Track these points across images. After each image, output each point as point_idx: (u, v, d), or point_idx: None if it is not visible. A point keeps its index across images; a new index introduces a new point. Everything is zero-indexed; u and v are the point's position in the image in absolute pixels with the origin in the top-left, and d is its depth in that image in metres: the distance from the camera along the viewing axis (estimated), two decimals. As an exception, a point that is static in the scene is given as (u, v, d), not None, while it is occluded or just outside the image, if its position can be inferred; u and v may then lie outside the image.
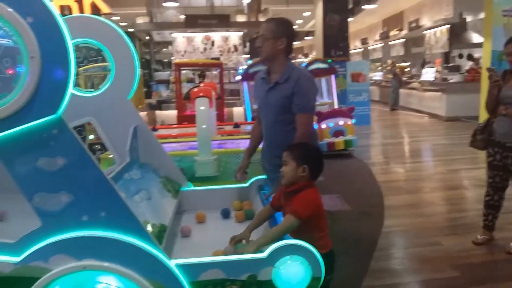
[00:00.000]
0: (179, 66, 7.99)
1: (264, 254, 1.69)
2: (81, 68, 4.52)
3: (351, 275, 3.11)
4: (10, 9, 1.42)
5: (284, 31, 2.47)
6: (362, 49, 22.84)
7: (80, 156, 1.56)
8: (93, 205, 1.60)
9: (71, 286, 1.61)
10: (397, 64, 16.28)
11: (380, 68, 19.83)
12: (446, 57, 13.83)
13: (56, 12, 1.47)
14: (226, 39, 13.30)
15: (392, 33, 18.37)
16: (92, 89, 2.71)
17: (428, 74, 12.92)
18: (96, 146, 5.06)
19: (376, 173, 6.20)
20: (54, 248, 1.58)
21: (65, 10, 8.79)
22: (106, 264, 1.60)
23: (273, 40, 2.45)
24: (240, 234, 2.05)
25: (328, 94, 8.62)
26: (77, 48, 2.46)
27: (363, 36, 22.43)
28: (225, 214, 2.60)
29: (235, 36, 13.21)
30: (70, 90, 1.50)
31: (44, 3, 1.44)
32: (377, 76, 18.10)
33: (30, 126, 1.49)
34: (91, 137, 5.33)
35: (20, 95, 1.45)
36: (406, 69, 16.36)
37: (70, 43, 1.48)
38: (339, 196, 5.00)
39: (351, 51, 16.22)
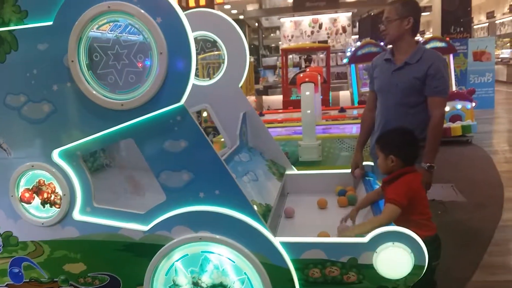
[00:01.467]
0: (286, 51, 8.12)
1: (366, 239, 1.73)
2: (199, 56, 4.89)
3: (462, 268, 2.96)
4: (142, 11, 1.64)
5: (410, 9, 2.43)
6: (488, 24, 20.53)
7: (200, 139, 1.76)
8: (209, 183, 1.79)
9: (189, 256, 1.84)
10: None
11: (508, 44, 17.67)
12: None
13: (180, 11, 1.66)
14: (334, 20, 13.07)
15: (525, 4, 16.17)
16: (208, 78, 2.94)
17: None
18: (209, 129, 5.45)
19: (497, 162, 5.66)
20: (176, 220, 1.81)
21: (182, 1, 9.46)
22: (218, 236, 1.79)
23: (399, 21, 2.42)
24: (348, 214, 2.10)
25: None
26: (195, 40, 2.70)
27: (489, 9, 20.12)
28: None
29: (343, 17, 12.91)
30: (192, 80, 1.69)
31: (171, 5, 1.64)
32: (505, 53, 16.18)
33: (158, 113, 1.72)
34: (206, 121, 5.75)
35: (151, 86, 1.68)
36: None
37: (192, 38, 1.67)
38: (454, 186, 4.70)
39: (474, 27, 14.71)
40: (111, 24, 1.78)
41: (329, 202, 2.61)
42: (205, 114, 5.83)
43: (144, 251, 1.85)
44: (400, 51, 2.50)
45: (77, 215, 1.91)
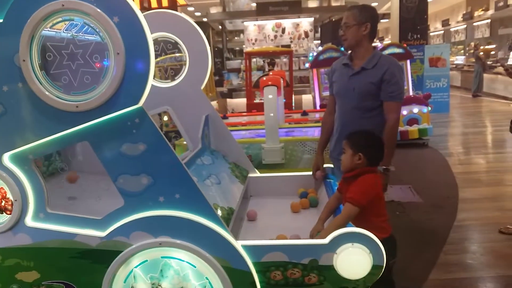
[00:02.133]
0: (249, 54, 8.14)
1: (326, 240, 1.75)
2: (158, 59, 4.81)
3: (419, 267, 3.05)
4: (98, 10, 1.59)
5: (367, 16, 2.49)
6: (443, 31, 21.44)
7: (159, 142, 1.72)
8: (169, 187, 1.75)
9: (148, 262, 1.79)
10: (481, 47, 15.09)
11: (462, 51, 18.53)
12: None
13: (138, 11, 1.62)
14: (297, 25, 13.23)
15: (476, 13, 17.03)
16: (169, 80, 2.89)
17: (517, 57, 11.86)
18: (171, 134, 5.37)
19: (452, 164, 5.91)
20: (134, 225, 1.76)
21: (144, 2, 9.29)
22: (178, 241, 1.75)
23: (357, 27, 2.47)
24: (315, 227, 2.11)
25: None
26: (155, 41, 2.66)
27: (444, 17, 21.02)
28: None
29: (306, 22, 13.10)
30: (151, 82, 1.65)
31: (128, 4, 1.60)
32: (459, 60, 16.94)
33: (115, 116, 1.67)
34: (167, 125, 5.66)
35: (107, 87, 1.62)
36: (492, 52, 15.12)
37: (150, 39, 1.63)
38: (411, 187, 4.86)
39: (430, 34, 15.32)
40: (66, 23, 1.71)
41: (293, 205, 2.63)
42: (166, 118, 5.74)
43: (101, 258, 1.79)
44: (358, 56, 2.55)
45: (29, 221, 1.82)
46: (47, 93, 1.66)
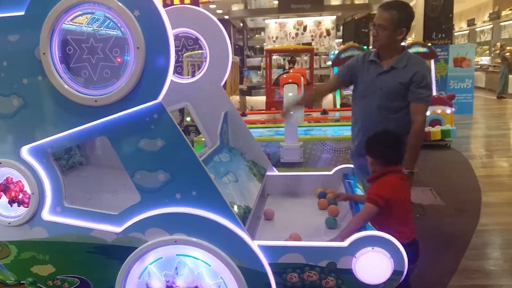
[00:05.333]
0: (270, 52, 8.08)
1: (345, 243, 1.70)
2: (184, 54, 4.81)
3: (439, 272, 2.96)
4: (119, 3, 1.57)
5: (405, 20, 2.35)
6: (468, 31, 20.96)
7: (177, 139, 1.70)
8: (186, 184, 1.73)
9: (163, 259, 1.78)
10: (507, 48, 14.66)
11: (488, 51, 18.07)
12: None
13: (159, 5, 1.60)
14: (318, 23, 13.12)
15: (504, 12, 16.56)
16: (190, 76, 2.88)
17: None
18: (191, 128, 5.37)
19: (475, 167, 5.74)
20: (150, 221, 1.75)
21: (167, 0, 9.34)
22: (194, 239, 1.73)
23: (392, 31, 2.35)
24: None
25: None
26: (176, 37, 2.64)
27: (470, 16, 20.53)
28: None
29: (328, 20, 12.97)
30: (170, 77, 1.63)
31: None
32: (484, 60, 16.53)
33: (134, 111, 1.65)
34: (188, 119, 5.67)
35: (127, 82, 1.61)
36: (519, 53, 14.69)
37: (171, 34, 1.61)
38: (433, 189, 4.74)
39: (455, 33, 14.99)
40: (88, 17, 1.70)
41: (310, 204, 2.58)
42: (188, 119, 5.74)
43: (116, 254, 1.78)
44: (386, 55, 2.45)
45: (46, 215, 1.83)
46: (66, 86, 1.66)
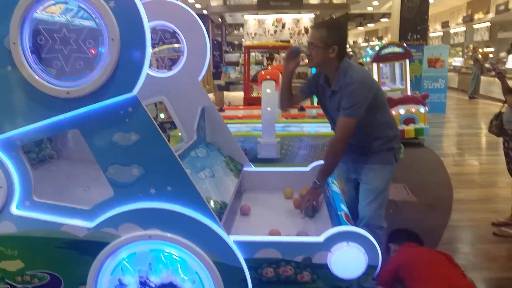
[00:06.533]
0: (249, 48, 8.07)
1: (321, 239, 1.71)
2: (155, 49, 4.73)
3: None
4: (94, -6, 1.53)
5: (335, 37, 2.29)
6: (442, 33, 21.45)
7: (152, 133, 1.67)
8: (161, 179, 1.70)
9: (137, 254, 1.75)
10: (480, 50, 15.10)
11: (461, 53, 18.55)
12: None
13: (136, -4, 1.56)
14: (297, 21, 13.17)
15: (477, 16, 17.03)
16: (165, 70, 2.84)
17: (515, 60, 11.86)
18: (166, 124, 5.31)
19: (447, 165, 5.88)
20: (123, 217, 1.72)
21: (144, -8, 9.17)
22: (169, 235, 1.71)
23: (323, 49, 2.29)
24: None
25: (401, 80, 8.25)
26: (153, 30, 2.59)
27: (444, 19, 21.02)
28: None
29: (306, 19, 13.04)
30: (146, 70, 1.60)
31: None
32: (457, 62, 16.96)
33: (108, 104, 1.62)
34: (162, 116, 5.60)
35: (101, 74, 1.57)
36: (490, 55, 15.13)
37: (147, 26, 1.57)
38: (406, 186, 4.84)
39: (430, 35, 15.32)
40: (61, 7, 1.65)
41: (286, 199, 2.59)
42: (162, 116, 5.67)
43: (88, 249, 1.74)
44: (329, 75, 2.41)
45: (15, 209, 1.77)
46: (37, 77, 1.60)
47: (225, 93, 8.63)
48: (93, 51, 1.60)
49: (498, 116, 3.60)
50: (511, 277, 2.89)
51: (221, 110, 5.45)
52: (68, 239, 1.75)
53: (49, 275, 1.81)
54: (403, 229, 2.29)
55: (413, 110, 6.84)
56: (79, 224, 1.75)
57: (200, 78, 2.78)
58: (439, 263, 1.96)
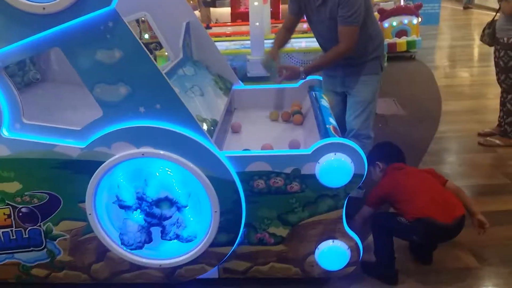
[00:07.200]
0: (234, -43, 7.57)
1: (309, 151, 1.76)
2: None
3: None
4: None
5: None
6: None
7: (136, 49, 1.62)
8: (148, 97, 1.69)
9: (132, 171, 1.79)
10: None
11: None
12: None
13: None
14: None
15: None
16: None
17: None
18: (152, 45, 5.15)
19: (438, 77, 5.89)
20: (115, 135, 1.73)
21: None
22: (162, 152, 1.74)
23: None
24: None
25: (394, -11, 7.93)
26: None
27: None
28: None
29: None
30: (122, -18, 1.51)
31: None
32: (454, -32, 16.16)
33: (87, 19, 1.55)
34: (147, 36, 5.41)
35: (75, -14, 1.48)
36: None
37: None
38: (395, 100, 4.87)
39: None
40: None
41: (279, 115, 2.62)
42: (147, 36, 5.48)
43: (83, 168, 1.78)
44: None
45: (5, 132, 1.77)
46: (10, -7, 1.51)
47: (212, 9, 8.25)
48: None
49: (491, 24, 3.51)
50: (493, 184, 3.02)
51: (208, 27, 5.27)
52: (62, 159, 1.78)
53: (48, 195, 1.86)
54: (387, 143, 2.35)
55: (406, 21, 6.67)
56: (71, 144, 1.76)
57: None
58: (421, 183, 2.12)
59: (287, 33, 2.67)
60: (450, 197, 2.08)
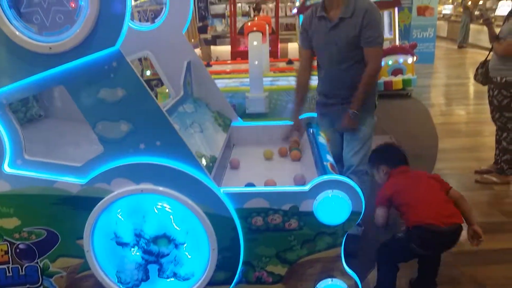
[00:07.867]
0: (235, -1, 7.84)
1: (307, 187, 1.77)
2: (137, 1, 4.61)
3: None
4: None
5: None
6: (432, -20, 20.92)
7: (138, 88, 1.66)
8: (149, 134, 1.72)
9: (130, 208, 1.80)
10: (470, -3, 14.82)
11: (451, 0, 18.21)
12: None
13: None
14: (284, -31, 12.68)
15: (468, -40, 16.55)
16: (148, 22, 2.77)
17: (505, 8, 11.70)
18: (153, 82, 5.25)
19: (434, 115, 5.97)
20: (115, 172, 1.75)
21: None
22: (161, 188, 1.75)
23: None
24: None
25: (389, 29, 8.14)
26: (133, -18, 2.51)
27: (435, -36, 20.43)
28: None
29: (293, -35, 12.55)
30: (127, 23, 1.57)
31: None
32: (447, 9, 16.69)
33: (92, 59, 1.60)
34: (148, 73, 5.52)
35: (82, 27, 1.54)
36: (480, 2, 14.87)
37: (127, -23, 1.53)
38: (392, 137, 4.92)
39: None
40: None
41: (274, 152, 2.64)
42: (148, 73, 5.59)
43: (82, 205, 1.78)
44: (332, 5, 2.37)
45: (7, 168, 1.79)
46: (18, 33, 1.57)
47: (212, 47, 8.46)
48: (73, 4, 1.56)
49: (484, 64, 3.61)
50: (491, 222, 3.01)
51: (208, 65, 5.38)
52: (62, 196, 1.78)
53: (46, 231, 1.86)
54: (389, 145, 2.45)
55: (401, 60, 6.82)
56: (71, 180, 1.78)
57: (184, 30, 2.73)
58: (423, 189, 2.15)
59: (306, 73, 2.67)
60: (450, 206, 2.09)
